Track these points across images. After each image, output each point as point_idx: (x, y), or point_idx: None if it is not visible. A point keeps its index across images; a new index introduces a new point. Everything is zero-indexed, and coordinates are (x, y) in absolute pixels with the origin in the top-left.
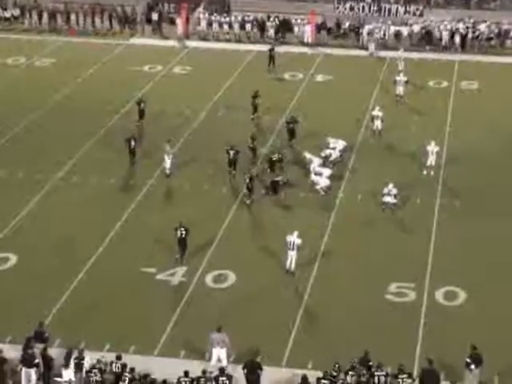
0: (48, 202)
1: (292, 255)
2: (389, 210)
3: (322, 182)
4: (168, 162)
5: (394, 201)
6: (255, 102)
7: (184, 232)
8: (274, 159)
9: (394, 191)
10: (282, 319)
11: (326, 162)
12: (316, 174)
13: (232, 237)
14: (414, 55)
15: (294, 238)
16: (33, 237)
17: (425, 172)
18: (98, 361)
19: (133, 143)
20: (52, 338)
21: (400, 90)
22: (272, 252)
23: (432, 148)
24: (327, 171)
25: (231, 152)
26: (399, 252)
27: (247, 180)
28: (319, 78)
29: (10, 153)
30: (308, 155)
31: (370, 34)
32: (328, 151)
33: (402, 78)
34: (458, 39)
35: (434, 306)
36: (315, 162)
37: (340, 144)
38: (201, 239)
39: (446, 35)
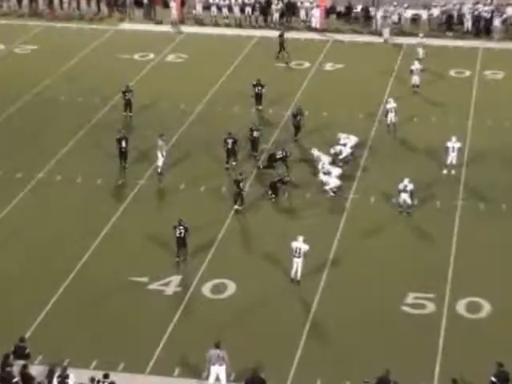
0: (29, 203)
1: (298, 262)
2: (405, 213)
3: (332, 181)
4: (161, 160)
5: (410, 202)
6: (257, 91)
7: (183, 231)
8: (278, 157)
9: (410, 187)
10: (288, 333)
11: (335, 160)
12: (325, 173)
13: (232, 242)
14: (434, 42)
15: (299, 244)
16: (12, 242)
17: (445, 171)
18: (92, 379)
19: (124, 144)
20: (33, 354)
21: (416, 79)
22: (276, 259)
23: (453, 144)
24: (337, 170)
25: (229, 141)
26: (417, 259)
27: (236, 184)
28: (328, 66)
29: None
30: (316, 152)
31: (384, 18)
32: (338, 148)
33: (417, 66)
34: (497, 22)
35: (455, 318)
36: (324, 160)
37: (351, 140)
38: (197, 245)
39: (468, 19)
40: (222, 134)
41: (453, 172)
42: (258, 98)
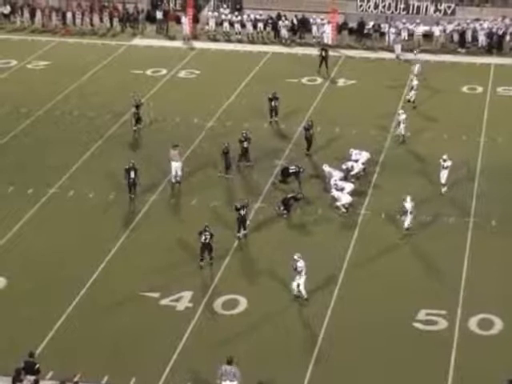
0: (41, 219)
1: (301, 279)
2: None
3: (344, 198)
4: (174, 172)
5: (410, 223)
6: (272, 104)
7: (208, 236)
8: (291, 171)
9: (413, 205)
10: (299, 350)
11: (347, 176)
12: (337, 189)
13: (244, 258)
14: (446, 58)
15: (300, 264)
16: (24, 258)
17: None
18: None
19: (132, 174)
20: (44, 369)
21: (412, 94)
22: (287, 276)
23: (445, 162)
24: (349, 186)
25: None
26: (428, 276)
27: (239, 209)
28: (340, 82)
29: None
30: (327, 168)
31: (396, 34)
32: (350, 164)
33: (415, 82)
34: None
35: (467, 335)
36: (336, 176)
37: (363, 156)
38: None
39: (482, 36)
40: (235, 149)
41: (443, 190)
42: (273, 110)
